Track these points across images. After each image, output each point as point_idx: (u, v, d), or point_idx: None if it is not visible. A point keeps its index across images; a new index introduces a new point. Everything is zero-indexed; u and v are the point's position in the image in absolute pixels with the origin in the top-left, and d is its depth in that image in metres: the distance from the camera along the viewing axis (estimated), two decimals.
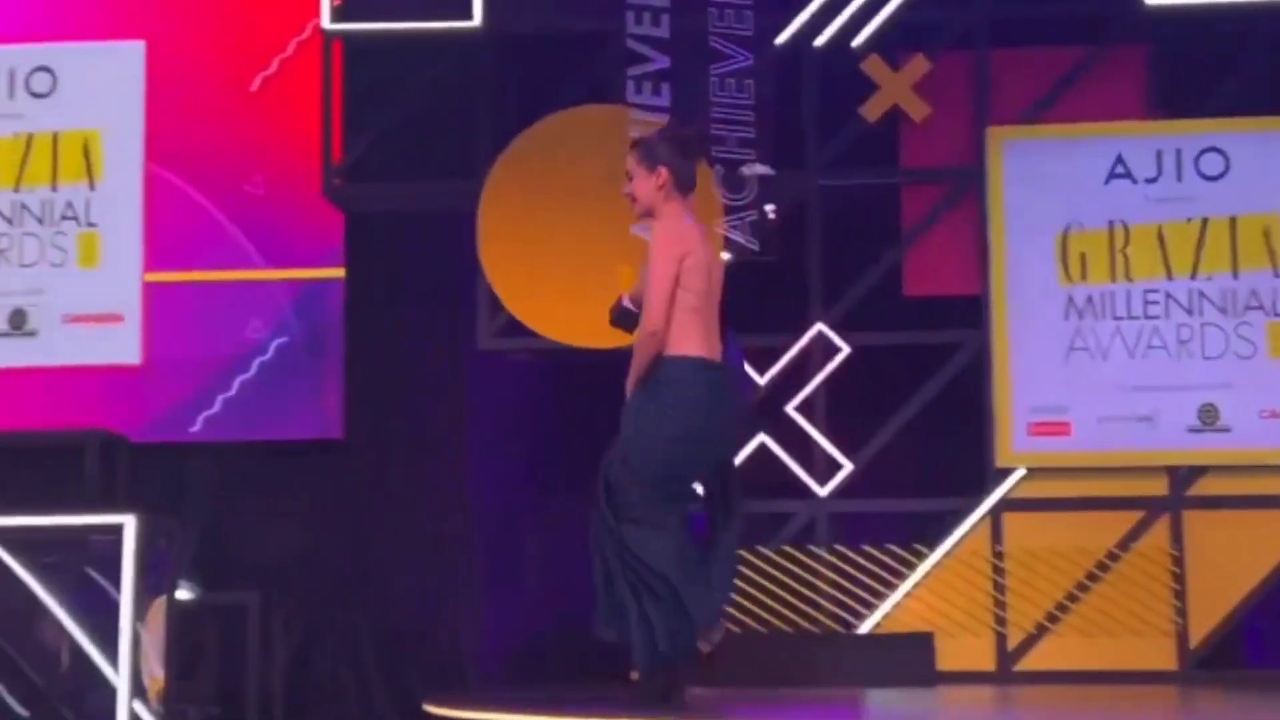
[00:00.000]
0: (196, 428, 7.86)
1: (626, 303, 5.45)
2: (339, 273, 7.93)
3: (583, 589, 7.99)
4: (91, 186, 7.99)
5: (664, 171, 5.27)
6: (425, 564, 7.89)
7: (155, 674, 5.77)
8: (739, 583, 7.43)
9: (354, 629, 7.77)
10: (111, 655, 5.12)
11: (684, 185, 5.29)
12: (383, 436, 7.97)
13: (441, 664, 7.71)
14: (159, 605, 5.81)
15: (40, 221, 8.00)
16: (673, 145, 5.30)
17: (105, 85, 8.03)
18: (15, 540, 5.21)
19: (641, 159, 5.30)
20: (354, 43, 7.89)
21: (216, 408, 7.87)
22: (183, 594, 6.19)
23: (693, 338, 5.19)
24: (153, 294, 7.94)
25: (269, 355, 7.90)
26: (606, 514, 5.20)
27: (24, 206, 8.00)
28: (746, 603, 7.48)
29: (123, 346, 7.92)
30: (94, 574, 5.64)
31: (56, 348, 7.91)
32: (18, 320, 7.92)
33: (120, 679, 4.98)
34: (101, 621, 5.50)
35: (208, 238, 8.01)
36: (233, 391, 7.87)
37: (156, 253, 7.98)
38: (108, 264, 7.97)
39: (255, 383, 7.89)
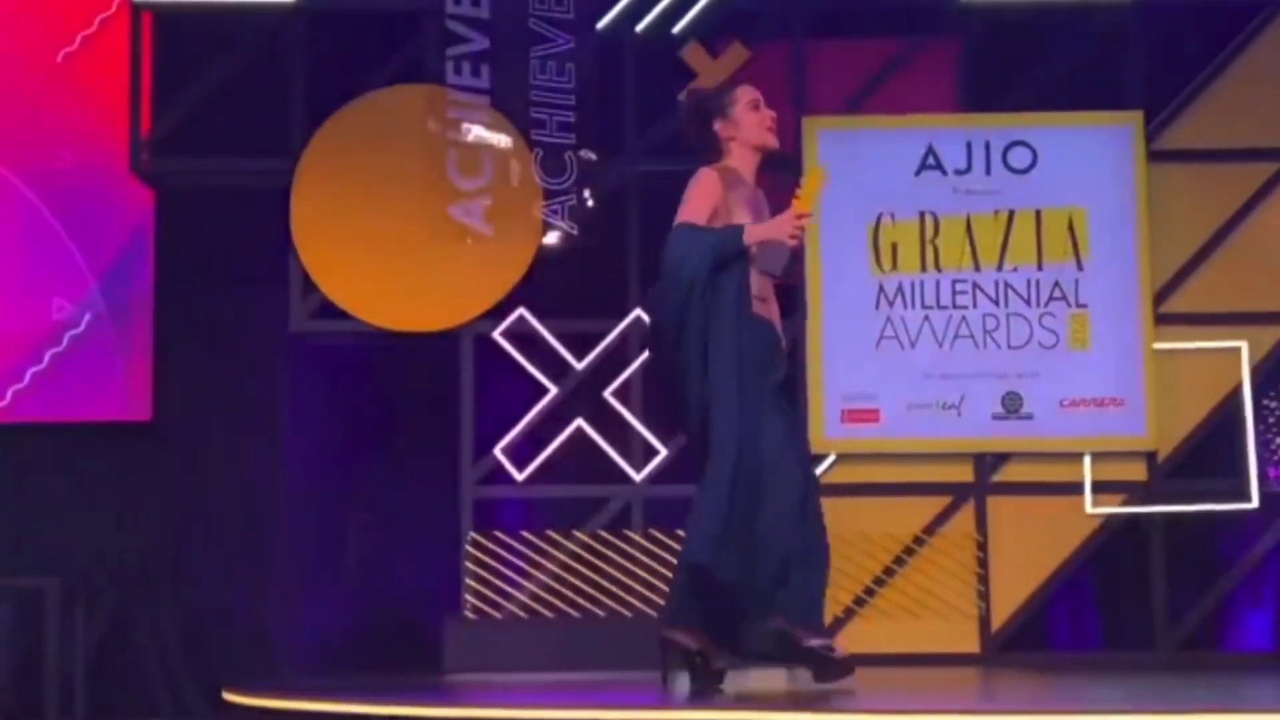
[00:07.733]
0: (5, 401, 7.63)
1: None
2: (147, 249, 7.76)
3: (404, 577, 7.97)
4: None
5: None
6: (236, 549, 7.74)
7: None
8: (555, 567, 7.47)
9: (160, 616, 7.61)
10: None
11: None
12: (193, 418, 7.81)
13: (251, 652, 7.58)
14: None
15: None
16: None
17: None
18: None
19: None
20: (165, 15, 7.71)
21: (26, 381, 7.65)
22: None
23: None
24: None
25: (81, 329, 7.70)
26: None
27: None
28: (561, 587, 7.47)
29: None
30: None
31: None
32: None
33: None
34: None
35: (12, 214, 7.77)
36: (44, 364, 7.66)
37: None
38: None
39: (64, 360, 7.67)
